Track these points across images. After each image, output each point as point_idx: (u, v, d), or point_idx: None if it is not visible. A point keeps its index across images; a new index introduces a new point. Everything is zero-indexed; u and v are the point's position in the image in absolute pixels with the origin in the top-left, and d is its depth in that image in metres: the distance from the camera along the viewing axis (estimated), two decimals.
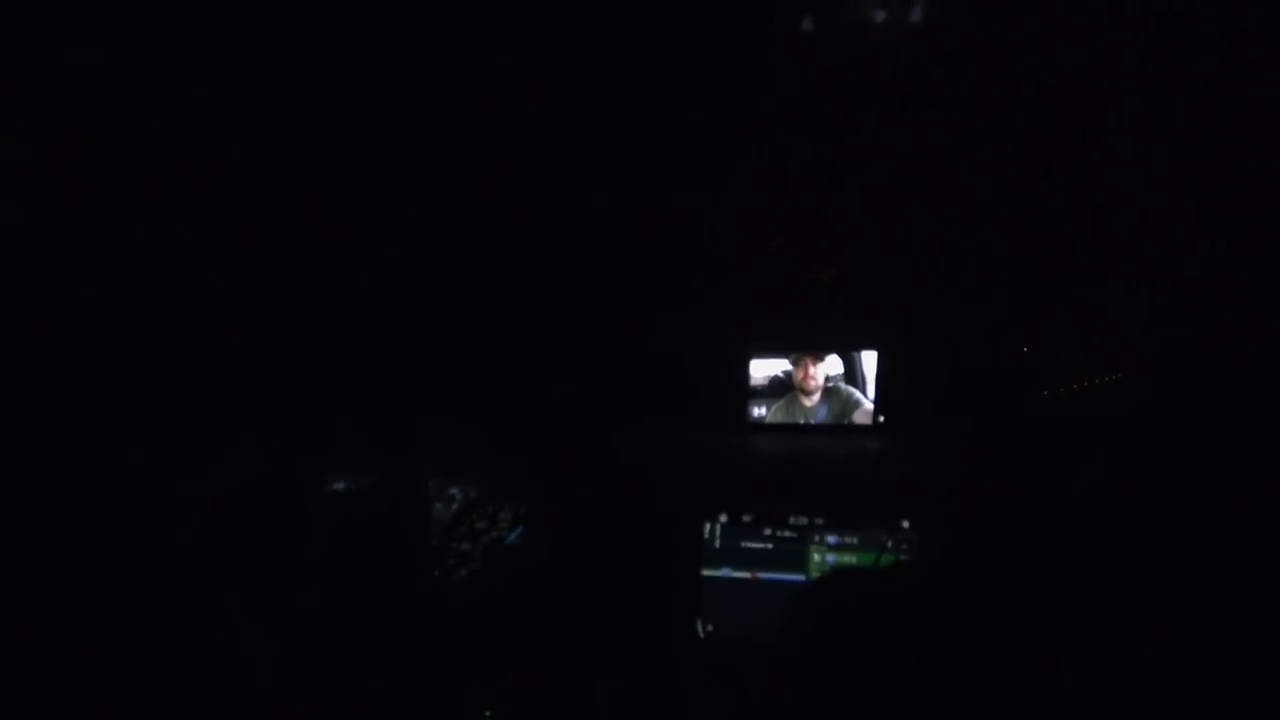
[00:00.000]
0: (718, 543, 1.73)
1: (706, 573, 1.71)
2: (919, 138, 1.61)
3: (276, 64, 1.66)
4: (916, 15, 1.53)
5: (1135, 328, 1.70)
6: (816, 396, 1.87)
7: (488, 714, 1.62)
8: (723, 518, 1.73)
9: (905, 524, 1.65)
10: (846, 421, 1.85)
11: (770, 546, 1.70)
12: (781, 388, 1.88)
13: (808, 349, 1.85)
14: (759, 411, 1.89)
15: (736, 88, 1.65)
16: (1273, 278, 1.53)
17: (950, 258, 1.75)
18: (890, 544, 1.64)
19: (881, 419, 1.82)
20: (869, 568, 1.62)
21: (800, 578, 1.68)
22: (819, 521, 1.69)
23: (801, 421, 1.87)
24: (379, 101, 1.73)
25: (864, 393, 1.84)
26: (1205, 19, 1.32)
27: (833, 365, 1.86)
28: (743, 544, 1.72)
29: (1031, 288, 1.72)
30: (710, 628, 1.69)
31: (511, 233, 1.91)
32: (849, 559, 1.67)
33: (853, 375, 1.85)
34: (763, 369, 1.88)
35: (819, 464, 1.80)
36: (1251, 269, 1.54)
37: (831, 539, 1.68)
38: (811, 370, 1.86)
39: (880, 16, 1.52)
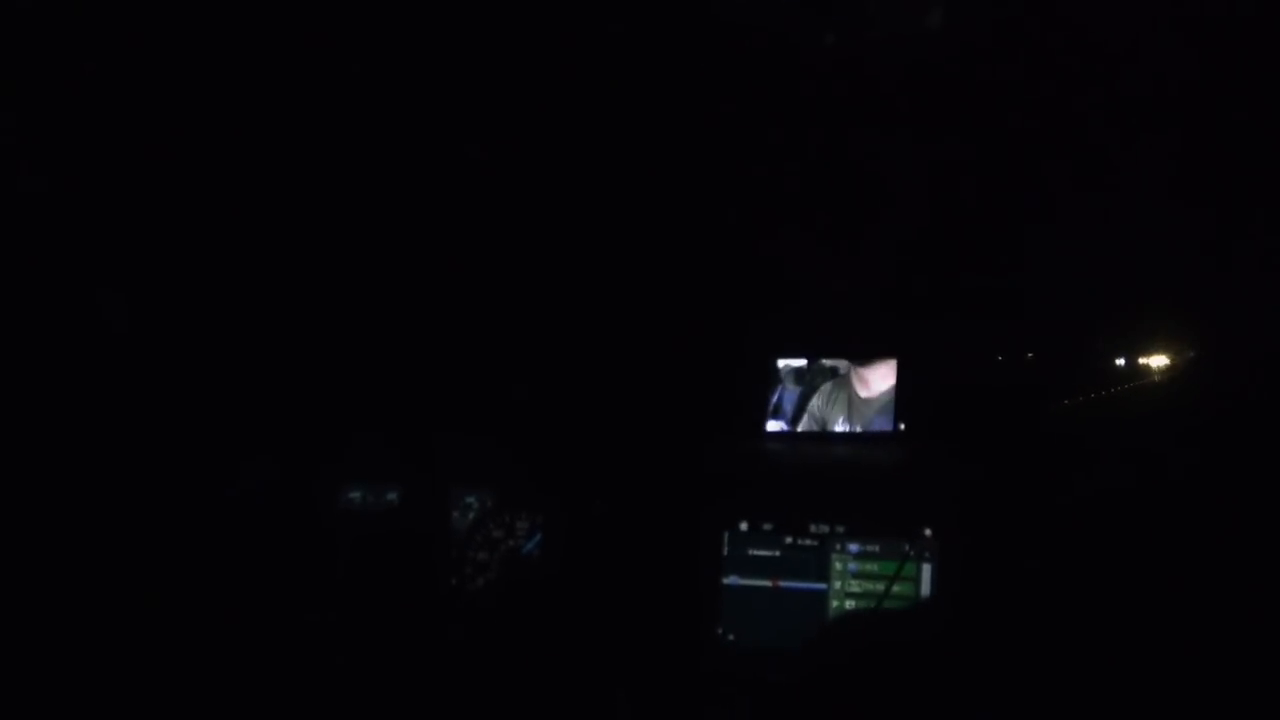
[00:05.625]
0: (737, 551, 1.71)
1: (726, 581, 1.70)
2: (942, 147, 1.61)
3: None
4: (935, 22, 1.54)
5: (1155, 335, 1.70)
6: (833, 405, 1.86)
7: None
8: (742, 525, 1.72)
9: (927, 532, 1.64)
10: (863, 429, 1.84)
11: (791, 555, 1.69)
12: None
13: (827, 356, 1.85)
14: (774, 420, 1.88)
15: (755, 97, 1.66)
16: None
17: (970, 266, 1.75)
18: (912, 552, 1.63)
19: (902, 427, 1.81)
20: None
21: (822, 586, 1.67)
22: (840, 529, 1.68)
23: (818, 430, 1.86)
24: (403, 112, 1.74)
25: (882, 401, 1.83)
26: None
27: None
28: (763, 552, 1.70)
29: (1053, 297, 1.72)
30: (731, 637, 1.68)
31: (529, 243, 1.91)
32: (871, 567, 1.66)
33: (870, 384, 1.85)
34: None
35: (839, 472, 1.79)
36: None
37: (853, 547, 1.67)
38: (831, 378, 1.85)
39: (900, 26, 1.52)
